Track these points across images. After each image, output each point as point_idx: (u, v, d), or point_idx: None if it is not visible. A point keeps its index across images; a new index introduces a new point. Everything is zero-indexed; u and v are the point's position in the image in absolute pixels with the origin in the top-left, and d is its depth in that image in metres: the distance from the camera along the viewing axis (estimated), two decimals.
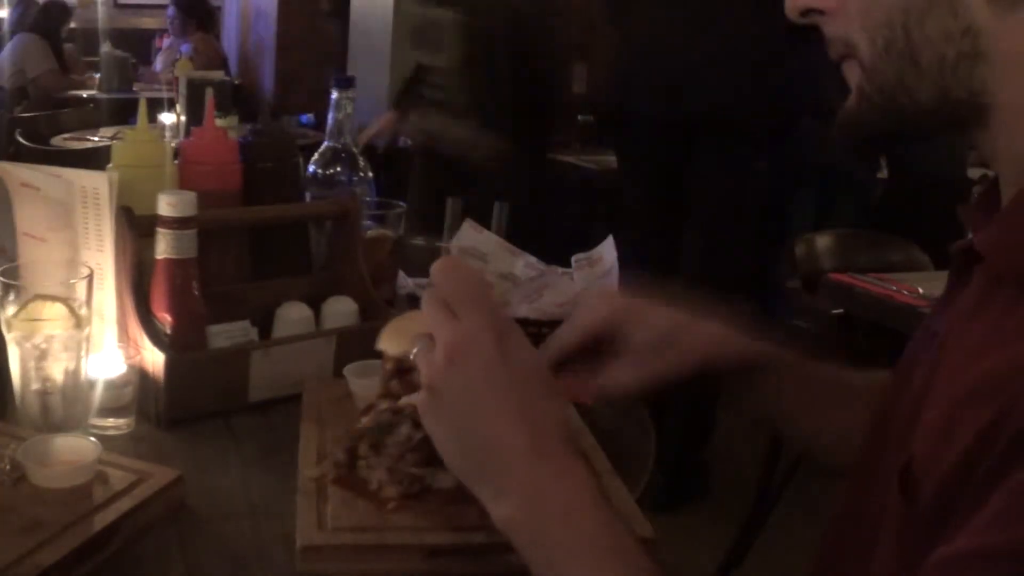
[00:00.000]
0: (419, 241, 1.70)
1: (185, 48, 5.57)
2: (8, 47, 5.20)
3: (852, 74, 0.68)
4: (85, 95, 5.46)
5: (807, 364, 0.93)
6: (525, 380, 0.71)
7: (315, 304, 1.25)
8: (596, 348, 0.90)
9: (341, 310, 1.26)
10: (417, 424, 0.82)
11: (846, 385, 0.92)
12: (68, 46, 5.93)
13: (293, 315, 1.22)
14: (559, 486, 0.68)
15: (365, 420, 0.89)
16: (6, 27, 5.49)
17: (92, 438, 0.92)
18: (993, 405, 0.55)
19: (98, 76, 5.60)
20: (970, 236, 0.67)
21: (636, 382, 0.89)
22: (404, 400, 0.85)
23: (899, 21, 0.63)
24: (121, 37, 6.42)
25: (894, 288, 2.30)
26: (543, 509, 0.67)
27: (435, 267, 0.74)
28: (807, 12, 0.68)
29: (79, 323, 1.01)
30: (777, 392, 0.92)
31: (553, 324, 1.38)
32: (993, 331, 0.61)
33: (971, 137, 0.66)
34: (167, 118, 2.92)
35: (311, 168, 1.46)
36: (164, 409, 1.08)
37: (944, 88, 0.63)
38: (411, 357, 0.74)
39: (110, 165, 1.19)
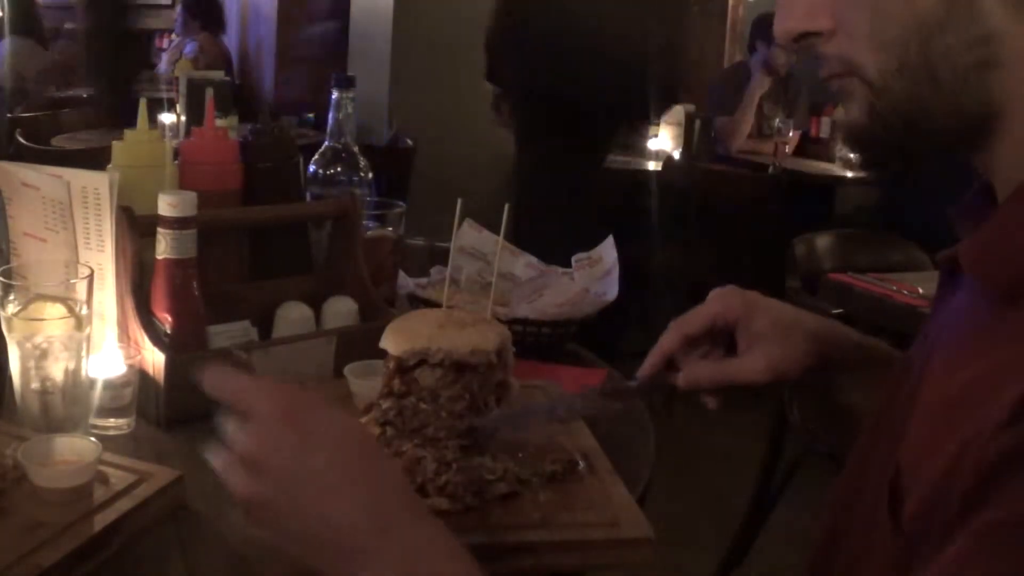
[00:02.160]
0: (419, 241, 1.70)
1: (190, 48, 5.56)
2: (3, 50, 5.20)
3: (853, 90, 0.66)
4: (85, 95, 5.45)
5: (870, 343, 0.93)
6: (338, 450, 0.66)
7: (315, 304, 1.25)
8: (714, 339, 0.92)
9: (341, 310, 1.26)
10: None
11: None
12: (62, 42, 5.92)
13: (293, 315, 1.22)
14: (411, 554, 0.64)
15: (365, 419, 0.89)
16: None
17: (92, 438, 0.92)
18: (968, 424, 0.55)
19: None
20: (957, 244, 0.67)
21: (768, 369, 0.89)
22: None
23: (914, 37, 0.61)
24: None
25: (894, 288, 2.30)
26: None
27: (205, 383, 0.69)
28: (800, 36, 0.66)
29: (79, 323, 1.01)
30: (865, 375, 0.91)
31: (553, 324, 1.39)
32: (975, 340, 0.61)
33: (978, 151, 0.65)
34: (167, 118, 2.92)
35: (311, 168, 1.46)
36: (164, 409, 1.08)
37: (959, 101, 0.62)
38: (221, 472, 0.69)
39: (110, 165, 1.19)
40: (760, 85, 4.44)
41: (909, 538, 0.59)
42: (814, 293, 2.60)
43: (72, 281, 1.02)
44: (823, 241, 2.90)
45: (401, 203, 1.46)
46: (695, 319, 0.92)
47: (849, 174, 4.23)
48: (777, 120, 4.51)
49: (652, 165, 4.26)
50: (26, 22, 5.27)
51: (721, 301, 0.92)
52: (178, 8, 5.98)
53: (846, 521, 0.72)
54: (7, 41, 5.21)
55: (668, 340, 0.92)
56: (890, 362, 0.90)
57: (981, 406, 0.55)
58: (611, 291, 1.45)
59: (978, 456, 0.53)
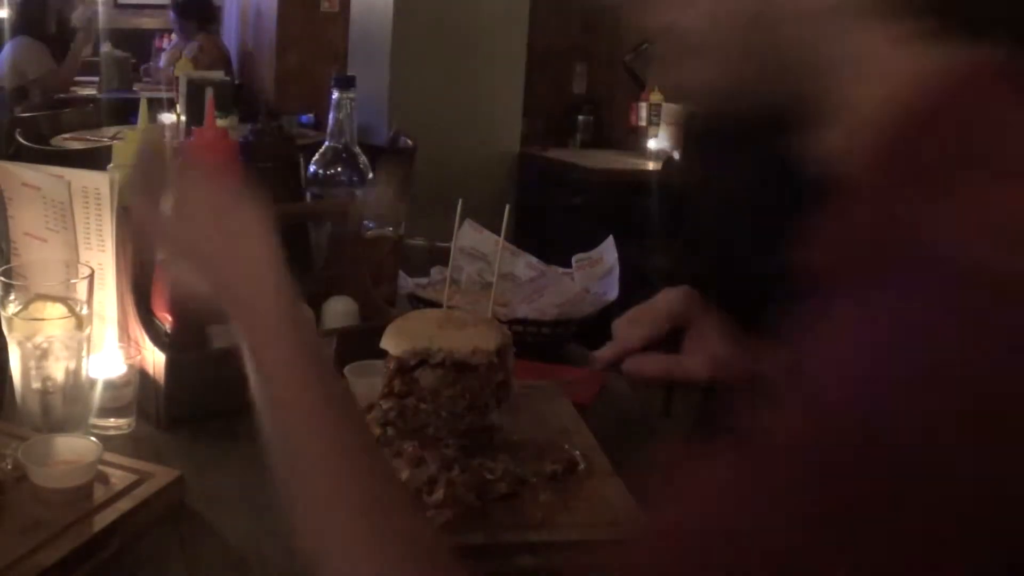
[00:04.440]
0: (419, 241, 1.70)
1: (190, 48, 5.56)
2: (5, 50, 5.20)
3: (700, 66, 0.64)
4: (87, 93, 5.46)
5: None
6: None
7: (315, 304, 1.25)
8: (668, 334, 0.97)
9: (341, 310, 1.26)
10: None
11: None
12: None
13: None
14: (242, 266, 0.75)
15: (368, 418, 0.89)
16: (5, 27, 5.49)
17: (92, 438, 0.92)
18: None
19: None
20: None
21: (710, 369, 0.95)
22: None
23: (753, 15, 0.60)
24: (121, 37, 6.42)
25: None
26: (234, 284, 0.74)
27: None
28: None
29: (80, 323, 1.01)
30: None
31: (553, 324, 1.39)
32: None
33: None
34: (167, 118, 2.92)
35: (311, 168, 1.46)
36: (164, 409, 1.08)
37: (787, 89, 0.61)
38: None
39: (110, 165, 1.19)
40: None
41: None
42: None
43: (72, 281, 1.02)
44: None
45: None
46: (658, 322, 0.98)
47: None
48: None
49: (652, 165, 4.26)
50: (36, 24, 5.27)
51: (682, 303, 0.98)
52: (170, 14, 5.97)
53: None
54: (14, 41, 5.21)
55: (629, 341, 0.98)
56: None
57: None
58: (611, 291, 1.45)
59: None
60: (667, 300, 0.99)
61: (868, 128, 0.58)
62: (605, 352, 1.00)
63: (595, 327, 1.44)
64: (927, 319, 0.48)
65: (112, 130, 3.70)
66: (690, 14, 0.62)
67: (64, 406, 1.02)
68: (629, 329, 0.99)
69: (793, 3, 0.59)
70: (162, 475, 0.90)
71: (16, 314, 1.00)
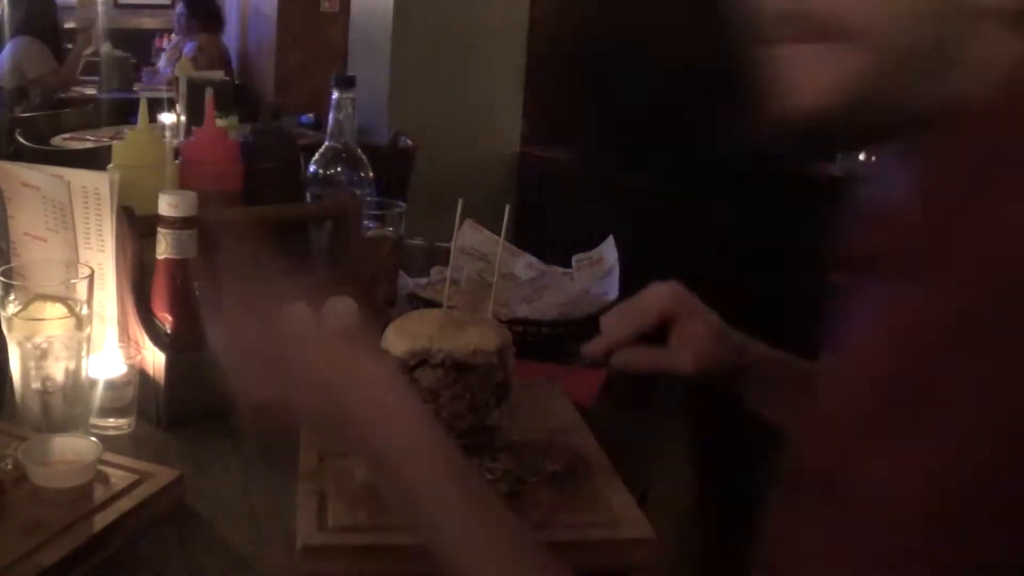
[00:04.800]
0: (419, 241, 1.70)
1: (189, 48, 5.56)
2: (6, 49, 5.20)
3: (833, 61, 0.60)
4: (87, 92, 5.46)
5: (786, 359, 1.00)
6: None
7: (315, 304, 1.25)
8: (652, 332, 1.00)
9: (341, 310, 1.26)
10: None
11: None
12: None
13: None
14: (394, 431, 0.70)
15: None
16: (5, 27, 5.49)
17: (93, 438, 0.92)
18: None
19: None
20: None
21: (696, 365, 0.98)
22: None
23: (908, 13, 0.58)
24: (121, 37, 6.42)
25: None
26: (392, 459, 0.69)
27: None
28: None
29: (80, 323, 1.01)
30: (762, 387, 0.99)
31: (553, 324, 1.38)
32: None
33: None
34: (167, 118, 2.92)
35: (311, 168, 1.46)
36: (164, 409, 1.08)
37: (926, 94, 0.59)
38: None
39: (111, 165, 1.19)
40: None
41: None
42: None
43: (72, 281, 1.02)
44: None
45: (401, 203, 1.46)
46: (646, 316, 1.00)
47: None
48: None
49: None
50: (40, 25, 5.27)
51: (669, 298, 1.01)
52: (178, 8, 5.97)
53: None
54: (14, 41, 5.21)
55: (618, 335, 1.00)
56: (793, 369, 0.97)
57: None
58: (611, 291, 1.45)
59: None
60: (655, 295, 1.01)
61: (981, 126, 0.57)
62: (593, 346, 1.02)
63: (595, 327, 1.44)
64: None
65: (112, 130, 3.70)
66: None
67: (64, 406, 1.02)
68: (617, 323, 1.01)
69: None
70: (162, 475, 0.90)
71: (16, 314, 1.00)
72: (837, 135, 0.64)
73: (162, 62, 5.99)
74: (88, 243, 1.13)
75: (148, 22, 7.33)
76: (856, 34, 0.59)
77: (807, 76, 0.60)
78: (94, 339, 1.06)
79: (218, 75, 3.20)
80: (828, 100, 0.60)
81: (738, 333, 1.01)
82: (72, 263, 1.09)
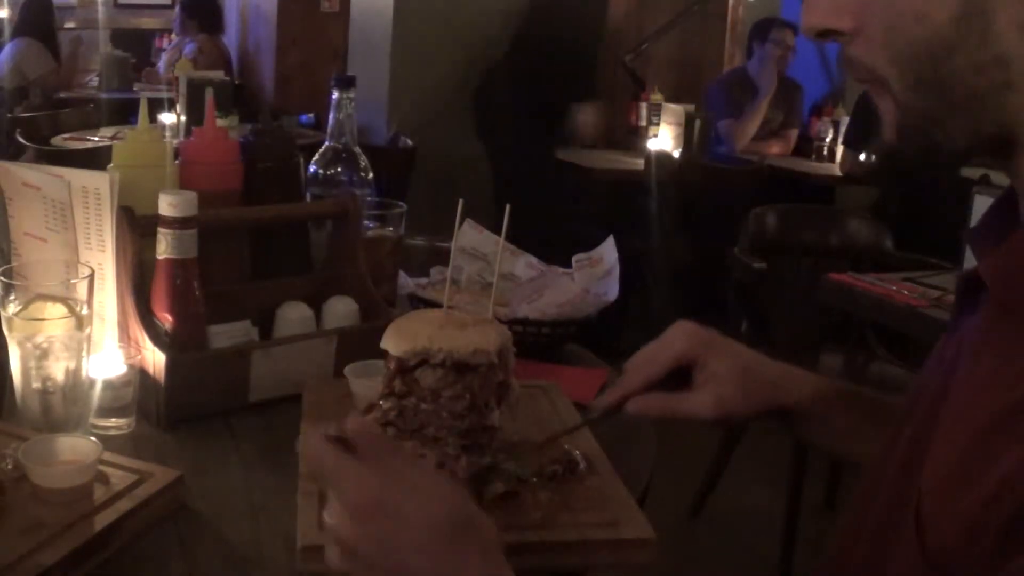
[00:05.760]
0: (419, 241, 1.70)
1: (189, 48, 5.57)
2: (6, 50, 5.20)
3: (883, 105, 0.65)
4: (87, 92, 5.46)
5: (853, 390, 0.97)
6: (428, 539, 0.67)
7: (315, 304, 1.25)
8: (675, 375, 0.96)
9: (341, 310, 1.26)
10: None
11: (887, 407, 0.93)
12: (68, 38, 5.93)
13: (293, 315, 1.22)
14: None
15: (368, 418, 0.89)
16: (5, 27, 5.49)
17: (93, 438, 0.92)
18: (1007, 457, 0.55)
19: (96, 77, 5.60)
20: (976, 263, 0.66)
21: (715, 408, 0.94)
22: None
23: (926, 56, 0.60)
24: (121, 37, 6.42)
25: (894, 288, 2.31)
26: None
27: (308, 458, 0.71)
28: (825, 33, 0.65)
29: (80, 323, 1.01)
30: (827, 419, 0.95)
31: (553, 324, 1.38)
32: (1002, 364, 0.60)
33: (1004, 168, 0.64)
34: (167, 118, 2.92)
35: (311, 168, 1.46)
36: (164, 409, 1.08)
37: (975, 123, 0.61)
38: (325, 517, 0.71)
39: (111, 165, 1.19)
40: (770, 88, 4.43)
41: (941, 570, 0.59)
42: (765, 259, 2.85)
43: (72, 281, 1.02)
44: (771, 216, 3.09)
45: (401, 203, 1.46)
46: (660, 362, 0.96)
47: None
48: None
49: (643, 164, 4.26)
50: (39, 26, 5.28)
51: (686, 341, 0.96)
52: (176, 9, 5.98)
53: (857, 553, 0.72)
54: (14, 41, 5.22)
55: (631, 383, 0.96)
56: (862, 407, 0.94)
57: (1020, 440, 0.55)
58: (611, 291, 1.45)
59: (1019, 494, 0.53)
60: (672, 338, 0.97)
61: None
62: (605, 398, 0.99)
63: (595, 327, 1.44)
64: None
65: (112, 130, 3.70)
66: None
67: (64, 406, 1.02)
68: (633, 371, 0.98)
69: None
70: (162, 475, 0.90)
71: (16, 314, 1.00)
72: (911, 162, 0.68)
73: (162, 63, 5.99)
74: (88, 243, 1.13)
75: (148, 22, 7.33)
76: (885, 78, 0.63)
77: (881, 114, 0.65)
78: (94, 339, 1.06)
79: (218, 75, 3.21)
80: (891, 134, 0.64)
81: (780, 366, 0.97)
82: (72, 263, 1.09)
